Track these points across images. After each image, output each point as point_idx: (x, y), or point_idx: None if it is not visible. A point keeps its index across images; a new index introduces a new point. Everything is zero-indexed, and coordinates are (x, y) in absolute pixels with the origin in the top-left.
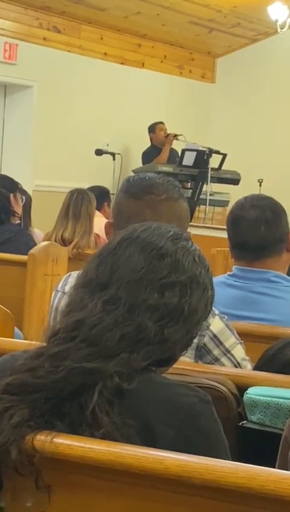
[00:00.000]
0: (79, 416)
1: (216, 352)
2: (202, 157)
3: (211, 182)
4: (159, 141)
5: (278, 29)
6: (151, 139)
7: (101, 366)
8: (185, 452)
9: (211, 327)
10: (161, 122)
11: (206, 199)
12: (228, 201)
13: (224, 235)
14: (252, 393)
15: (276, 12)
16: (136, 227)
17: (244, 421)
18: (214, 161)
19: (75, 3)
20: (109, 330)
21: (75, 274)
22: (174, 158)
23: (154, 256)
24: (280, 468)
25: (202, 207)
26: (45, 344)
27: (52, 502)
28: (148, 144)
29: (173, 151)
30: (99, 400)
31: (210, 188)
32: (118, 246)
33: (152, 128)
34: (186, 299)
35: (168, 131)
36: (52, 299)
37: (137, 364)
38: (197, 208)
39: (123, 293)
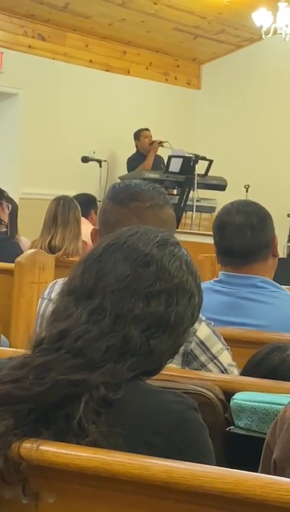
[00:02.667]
0: (65, 426)
1: (203, 358)
2: (188, 163)
3: (197, 188)
4: (144, 148)
5: (263, 36)
6: (136, 146)
7: (87, 377)
8: (174, 459)
9: (197, 333)
10: (146, 129)
11: (193, 205)
12: (214, 208)
13: (211, 241)
14: (239, 398)
15: (260, 18)
16: (123, 232)
17: (231, 427)
18: (200, 167)
19: (59, 10)
20: (94, 341)
21: (61, 281)
22: (159, 165)
23: (139, 263)
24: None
25: (189, 213)
26: (29, 352)
27: (40, 510)
28: (135, 151)
29: (158, 158)
30: (86, 410)
31: (197, 194)
32: (103, 252)
33: (137, 135)
34: (172, 308)
35: (154, 138)
36: (38, 306)
37: (123, 375)
38: (184, 214)
39: (108, 302)
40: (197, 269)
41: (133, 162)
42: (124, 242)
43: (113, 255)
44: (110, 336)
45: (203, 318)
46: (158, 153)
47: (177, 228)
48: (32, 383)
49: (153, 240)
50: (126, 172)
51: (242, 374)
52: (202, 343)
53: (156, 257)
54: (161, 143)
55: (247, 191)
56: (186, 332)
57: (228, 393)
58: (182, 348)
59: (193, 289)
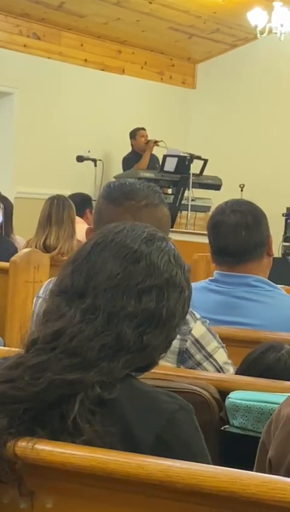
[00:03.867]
0: (60, 425)
1: (198, 356)
2: (183, 162)
3: (192, 187)
4: (139, 147)
5: (258, 35)
6: (132, 145)
7: (82, 376)
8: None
9: (193, 332)
10: (142, 129)
11: (188, 205)
12: (209, 207)
13: (206, 240)
14: (234, 397)
15: (255, 17)
16: (110, 229)
17: (227, 426)
18: (195, 167)
19: (55, 10)
20: (89, 341)
21: None
22: (154, 164)
23: (128, 260)
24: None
25: (184, 212)
26: (23, 352)
27: (35, 509)
28: (130, 150)
29: (153, 157)
30: (81, 409)
31: (192, 193)
32: (91, 251)
33: (133, 134)
34: (163, 303)
35: (149, 137)
36: (33, 305)
37: (117, 373)
38: (179, 214)
39: (101, 301)
40: (185, 263)
41: (129, 162)
42: (112, 239)
43: (102, 253)
44: (104, 335)
45: (199, 316)
46: (153, 152)
47: (172, 227)
48: (27, 383)
49: (140, 235)
50: (121, 171)
51: (237, 373)
52: (197, 342)
53: (144, 253)
54: (156, 142)
55: (242, 191)
56: (178, 326)
57: (223, 392)
58: (177, 346)
59: (183, 283)
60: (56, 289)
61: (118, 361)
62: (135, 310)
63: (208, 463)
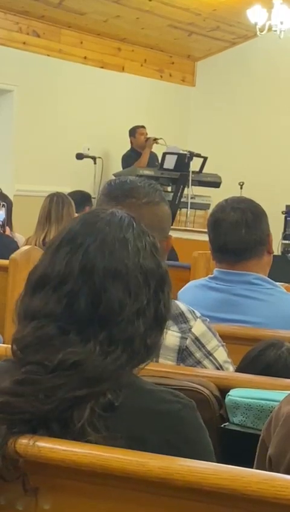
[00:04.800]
0: (65, 429)
1: (198, 355)
2: (183, 160)
3: (192, 185)
4: (139, 145)
5: (258, 33)
6: (131, 143)
7: (91, 390)
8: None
9: (193, 330)
10: (142, 126)
11: (187, 202)
12: (209, 205)
13: (206, 238)
14: (234, 395)
15: (255, 15)
16: (83, 243)
17: (227, 423)
18: (194, 164)
19: (54, 7)
20: (107, 367)
21: None
22: (154, 162)
23: (129, 281)
24: None
25: (184, 210)
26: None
27: (39, 505)
28: (129, 148)
29: (152, 155)
30: (90, 416)
31: (191, 191)
32: (81, 276)
33: (133, 132)
34: (161, 305)
35: (149, 135)
36: None
37: (125, 379)
38: (178, 211)
39: (118, 334)
40: (154, 237)
41: (128, 159)
42: (101, 258)
43: (96, 277)
44: (120, 359)
45: (199, 315)
46: (153, 150)
47: (171, 225)
48: (40, 401)
49: (125, 245)
50: (121, 169)
51: (237, 370)
52: (197, 340)
53: (137, 267)
54: (155, 140)
55: (241, 188)
56: (171, 311)
57: (223, 390)
58: (177, 344)
59: (166, 268)
60: (41, 311)
61: (124, 367)
62: (145, 327)
63: (213, 458)
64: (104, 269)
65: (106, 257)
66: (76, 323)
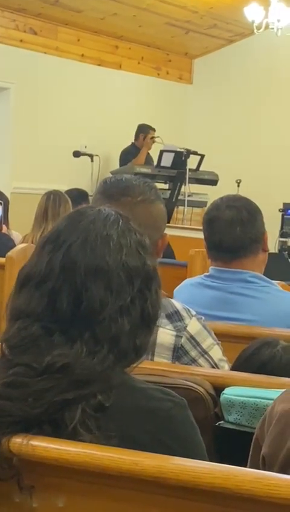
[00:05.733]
0: (57, 430)
1: (193, 353)
2: (180, 158)
3: (189, 182)
4: (141, 143)
5: (255, 30)
6: (136, 138)
7: (80, 392)
8: None
9: (188, 328)
10: (153, 129)
11: (184, 200)
12: (206, 202)
13: (202, 235)
14: (229, 393)
15: (252, 13)
16: (66, 241)
17: (221, 421)
18: (192, 162)
19: (51, 5)
20: (95, 367)
21: None
22: (149, 162)
23: (110, 279)
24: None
25: (181, 208)
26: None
27: (34, 504)
28: (126, 145)
29: (148, 156)
30: (81, 417)
31: (188, 189)
32: (61, 274)
33: (145, 131)
34: (147, 304)
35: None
36: None
37: (115, 379)
38: (175, 209)
39: (101, 333)
40: (143, 235)
41: (128, 155)
42: (82, 256)
43: (77, 275)
44: (108, 359)
45: (194, 313)
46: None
47: (168, 223)
48: (29, 405)
49: (107, 242)
50: (118, 166)
51: (232, 369)
52: (192, 338)
53: (119, 265)
54: (152, 138)
55: (239, 186)
56: (161, 309)
57: (218, 388)
58: (172, 343)
59: (154, 265)
60: (19, 313)
61: (114, 369)
62: (129, 325)
63: (205, 458)
64: (85, 267)
65: (87, 254)
66: (59, 323)
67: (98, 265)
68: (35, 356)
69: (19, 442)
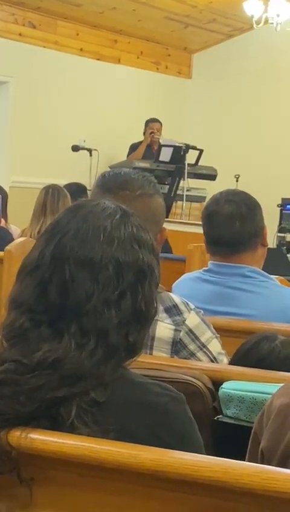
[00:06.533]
0: (55, 424)
1: (192, 347)
2: (179, 153)
3: (187, 177)
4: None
5: (254, 25)
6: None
7: (74, 389)
8: None
9: (186, 322)
10: (155, 121)
11: (183, 195)
12: (205, 197)
13: (201, 230)
14: (227, 387)
15: (251, 8)
16: (59, 232)
17: (220, 416)
18: (190, 157)
19: None
20: (83, 363)
21: None
22: (150, 157)
23: (97, 270)
24: None
25: (179, 203)
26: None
27: (34, 497)
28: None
29: (150, 151)
30: (78, 412)
31: (187, 183)
32: (51, 264)
33: (146, 124)
34: (140, 297)
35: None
36: None
37: (108, 376)
38: (174, 204)
39: (87, 324)
40: (145, 231)
41: (134, 149)
42: (71, 248)
43: (66, 266)
44: (97, 354)
45: (193, 307)
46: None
47: (167, 217)
48: (20, 403)
49: (98, 234)
50: (117, 161)
51: (231, 363)
52: (191, 332)
53: (109, 255)
54: (152, 133)
55: (237, 181)
56: (157, 306)
57: (217, 383)
58: (171, 336)
59: (151, 262)
60: (16, 304)
61: (106, 365)
62: (119, 319)
63: (202, 452)
64: (74, 257)
65: (78, 245)
66: (48, 314)
67: (87, 256)
68: (25, 350)
69: (18, 435)
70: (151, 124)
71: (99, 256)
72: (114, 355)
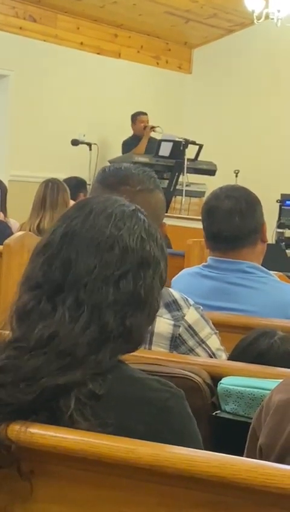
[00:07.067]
0: (54, 417)
1: (191, 342)
2: (178, 147)
3: (187, 172)
4: (138, 132)
5: (255, 20)
6: (133, 129)
7: (73, 377)
8: None
9: (186, 317)
10: (143, 113)
11: (182, 190)
12: (204, 192)
13: (200, 225)
14: (226, 383)
15: (252, 3)
16: (75, 214)
17: (218, 411)
18: (190, 152)
19: None
20: (77, 339)
21: None
22: (152, 148)
23: (103, 249)
24: None
25: (178, 198)
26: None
27: (34, 491)
28: (125, 134)
29: (152, 141)
30: (76, 404)
31: (186, 178)
32: (61, 241)
33: (133, 119)
34: (140, 283)
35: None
36: None
37: (106, 364)
38: (173, 199)
39: (83, 296)
40: (157, 230)
41: (128, 146)
42: (81, 227)
43: (73, 244)
44: (90, 330)
45: (192, 302)
46: (153, 136)
47: (166, 212)
48: (20, 391)
49: (109, 217)
50: (117, 155)
51: (230, 358)
52: (190, 328)
53: (117, 237)
54: (153, 128)
55: (237, 176)
56: (159, 298)
57: (215, 378)
58: (170, 332)
59: (157, 255)
60: (28, 282)
61: (104, 352)
62: (115, 298)
63: (201, 449)
64: (82, 236)
65: (87, 225)
66: (47, 288)
67: (94, 235)
68: (27, 331)
69: (17, 429)
70: (141, 117)
71: (106, 237)
72: (110, 338)
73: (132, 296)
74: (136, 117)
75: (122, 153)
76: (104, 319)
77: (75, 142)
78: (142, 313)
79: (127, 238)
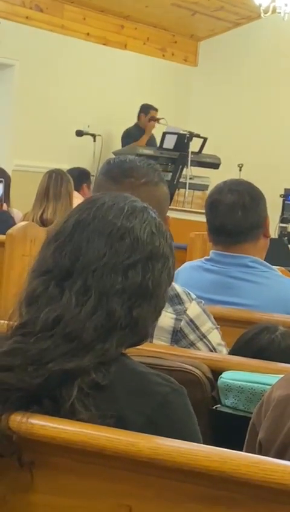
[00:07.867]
0: (56, 407)
1: (192, 337)
2: (183, 140)
3: (191, 165)
4: (144, 123)
5: (262, 14)
6: (139, 118)
7: (79, 364)
8: None
9: (187, 312)
10: (155, 109)
11: (186, 183)
12: (207, 185)
13: (203, 219)
14: (226, 377)
15: None
16: (89, 204)
17: (218, 405)
18: (194, 145)
19: None
20: (84, 324)
21: None
22: (152, 144)
23: (113, 238)
24: None
25: (182, 190)
26: (10, 332)
27: (34, 481)
28: (129, 125)
29: (152, 137)
30: (78, 394)
31: (190, 171)
32: (74, 229)
33: (146, 110)
34: (148, 276)
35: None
36: None
37: (112, 353)
38: (176, 192)
39: (91, 282)
40: (167, 229)
41: (130, 135)
42: (94, 216)
43: (85, 232)
44: (97, 316)
45: (194, 297)
46: (155, 129)
47: (169, 205)
48: (28, 374)
49: (121, 209)
50: (121, 146)
51: (231, 353)
52: (191, 322)
53: (128, 228)
54: (157, 119)
55: (240, 170)
56: (166, 294)
57: (216, 372)
58: (171, 325)
59: (166, 252)
60: (38, 269)
61: (111, 340)
62: (122, 286)
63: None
64: (94, 225)
65: (99, 216)
66: (56, 274)
67: (106, 225)
68: (34, 315)
69: (18, 420)
70: (153, 112)
71: (117, 227)
72: (116, 326)
73: (139, 287)
74: (149, 110)
75: (122, 141)
76: (111, 306)
77: (79, 133)
78: (149, 305)
79: (138, 230)
